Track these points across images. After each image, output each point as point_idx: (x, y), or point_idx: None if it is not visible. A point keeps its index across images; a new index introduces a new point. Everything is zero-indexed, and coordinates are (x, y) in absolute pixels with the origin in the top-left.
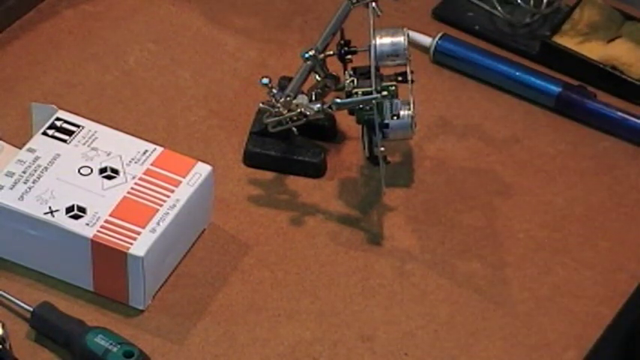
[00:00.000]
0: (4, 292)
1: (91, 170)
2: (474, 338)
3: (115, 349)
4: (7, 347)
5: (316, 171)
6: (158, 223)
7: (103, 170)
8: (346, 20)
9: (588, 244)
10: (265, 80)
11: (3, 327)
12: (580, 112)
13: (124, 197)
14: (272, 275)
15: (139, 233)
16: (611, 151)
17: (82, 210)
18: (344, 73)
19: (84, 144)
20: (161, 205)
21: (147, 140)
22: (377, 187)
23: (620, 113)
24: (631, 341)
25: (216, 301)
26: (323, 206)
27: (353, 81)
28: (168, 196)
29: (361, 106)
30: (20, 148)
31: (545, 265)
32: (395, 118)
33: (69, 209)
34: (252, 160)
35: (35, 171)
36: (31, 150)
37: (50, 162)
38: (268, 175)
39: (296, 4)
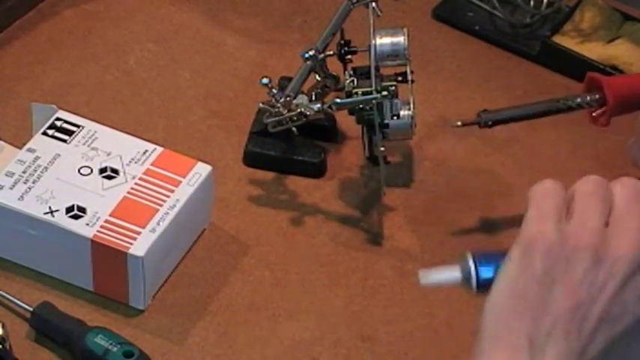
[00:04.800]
0: (4, 292)
1: (91, 170)
2: (474, 338)
3: (115, 349)
4: (7, 347)
5: (316, 171)
6: (158, 223)
7: (103, 170)
8: (346, 20)
9: None
10: (265, 80)
11: (3, 327)
12: None
13: (124, 197)
14: (272, 275)
15: (138, 233)
16: (611, 151)
17: (82, 210)
18: (344, 73)
19: (84, 144)
20: (161, 205)
21: (147, 140)
22: (377, 187)
23: None
24: None
25: (216, 301)
26: (323, 206)
27: (353, 81)
28: (168, 196)
29: (361, 106)
30: (20, 148)
31: None
32: (395, 118)
33: (69, 209)
34: (252, 160)
35: (35, 171)
36: (31, 150)
37: (50, 162)
38: (268, 175)
39: (296, 4)
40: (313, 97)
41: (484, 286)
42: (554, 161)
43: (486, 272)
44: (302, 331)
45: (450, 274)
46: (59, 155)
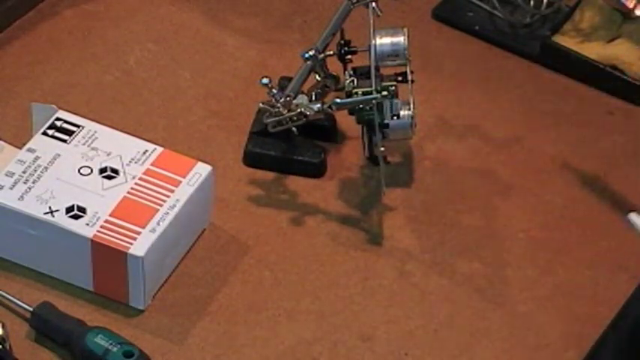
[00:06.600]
0: (4, 292)
1: (91, 170)
2: (474, 338)
3: (115, 349)
4: (7, 347)
5: (316, 171)
6: (158, 223)
7: (103, 170)
8: (346, 20)
9: (588, 244)
10: (265, 80)
11: (3, 327)
12: None
13: (124, 197)
14: (272, 275)
15: (138, 233)
16: (611, 151)
17: (82, 210)
18: (344, 73)
19: (84, 144)
20: (161, 205)
21: (147, 140)
22: (377, 187)
23: None
24: (631, 341)
25: (216, 301)
26: (323, 206)
27: (353, 81)
28: (168, 196)
29: (361, 106)
30: (20, 148)
31: (545, 265)
32: (395, 118)
33: (69, 209)
34: (252, 160)
35: (35, 171)
36: (31, 150)
37: (50, 162)
38: (268, 175)
39: (296, 4)
40: (313, 97)
41: None
42: (554, 161)
43: None
44: (302, 331)
45: None
46: (59, 155)
